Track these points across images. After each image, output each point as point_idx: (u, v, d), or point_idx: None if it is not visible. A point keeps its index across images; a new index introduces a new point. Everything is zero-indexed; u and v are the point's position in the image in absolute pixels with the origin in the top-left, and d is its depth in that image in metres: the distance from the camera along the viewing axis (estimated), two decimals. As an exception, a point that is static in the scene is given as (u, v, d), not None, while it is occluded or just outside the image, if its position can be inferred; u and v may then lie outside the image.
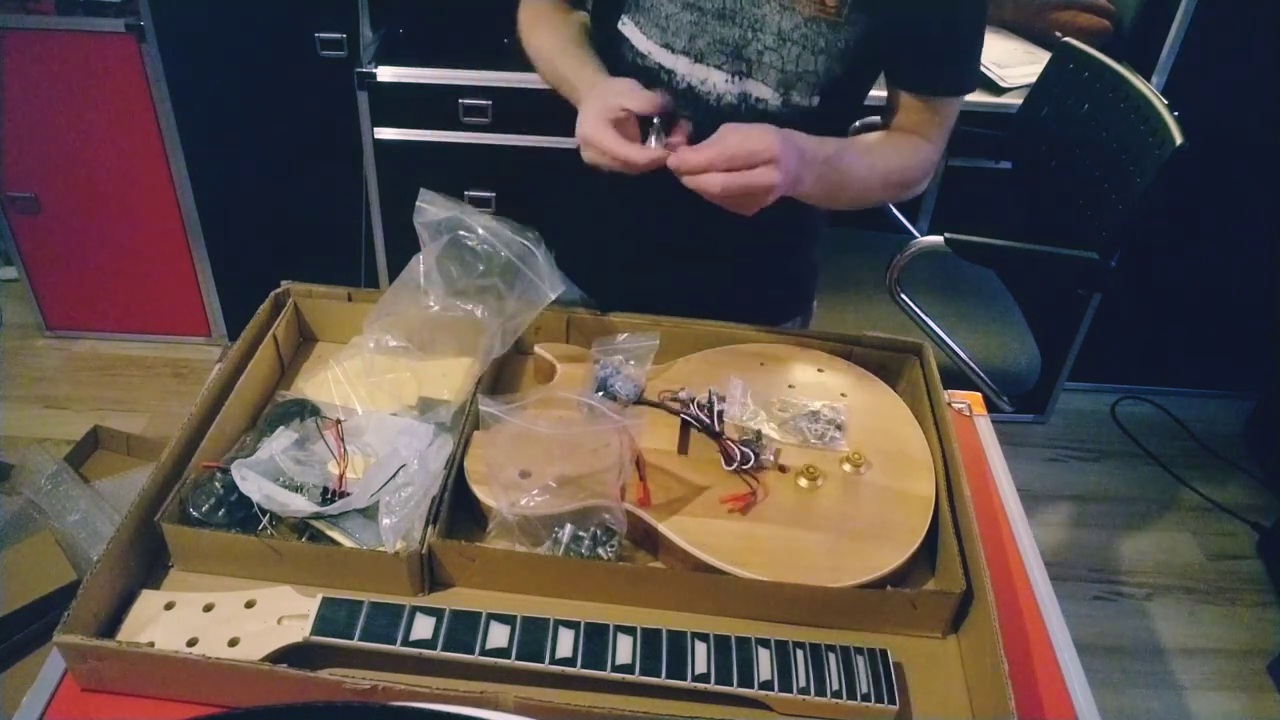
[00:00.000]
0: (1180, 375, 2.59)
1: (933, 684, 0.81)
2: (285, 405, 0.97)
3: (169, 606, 0.78)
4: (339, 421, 0.93)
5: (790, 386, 1.03)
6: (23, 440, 2.20)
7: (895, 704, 0.76)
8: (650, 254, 1.19)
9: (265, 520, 0.86)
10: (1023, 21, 2.16)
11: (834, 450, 0.96)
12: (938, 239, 1.53)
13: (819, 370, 1.06)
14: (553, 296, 0.99)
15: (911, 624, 0.85)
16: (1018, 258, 1.58)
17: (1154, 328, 2.48)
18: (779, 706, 0.76)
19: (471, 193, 2.11)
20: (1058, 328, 2.31)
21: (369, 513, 0.85)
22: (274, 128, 2.19)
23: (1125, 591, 2.13)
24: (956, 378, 1.62)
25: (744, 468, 0.92)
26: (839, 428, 0.98)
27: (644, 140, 0.96)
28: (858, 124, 1.30)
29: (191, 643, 0.75)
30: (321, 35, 2.04)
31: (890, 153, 1.07)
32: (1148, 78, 1.80)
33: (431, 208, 0.99)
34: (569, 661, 0.75)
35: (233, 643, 0.75)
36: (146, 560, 0.85)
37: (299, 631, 0.75)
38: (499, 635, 0.76)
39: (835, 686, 0.76)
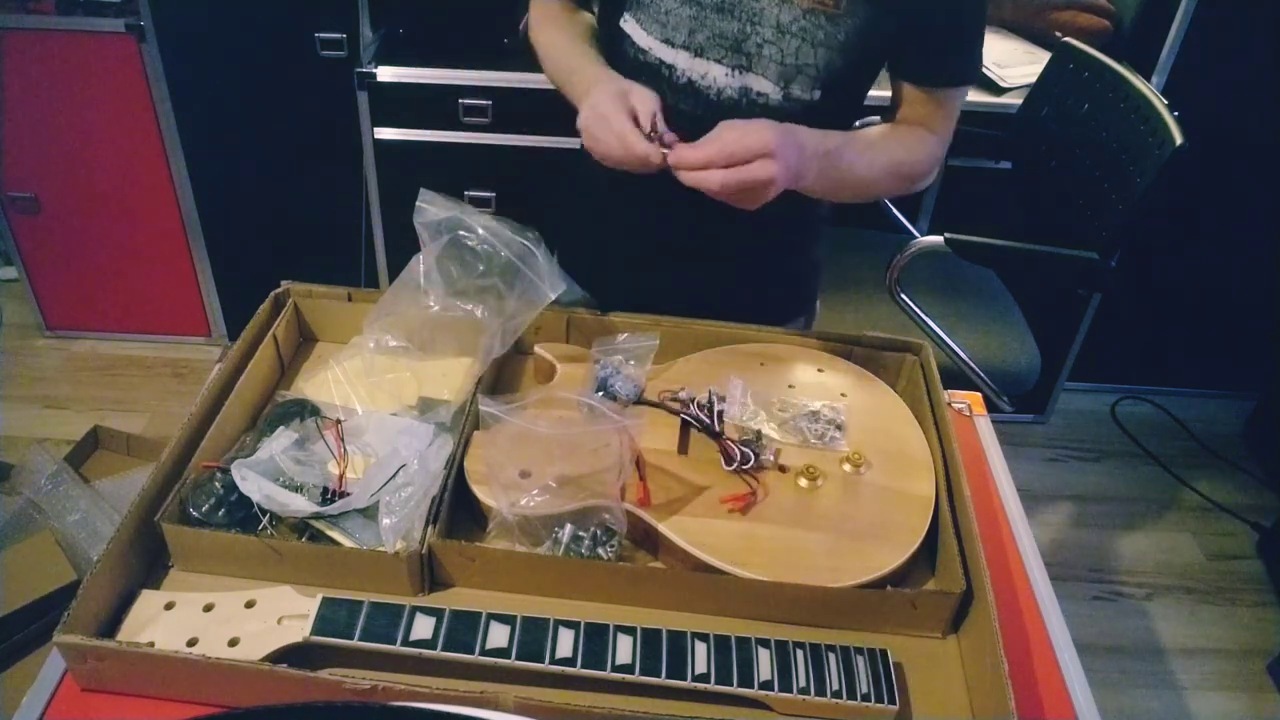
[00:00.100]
0: (1180, 375, 2.59)
1: (933, 684, 0.81)
2: (285, 405, 0.97)
3: (169, 606, 0.78)
4: (339, 421, 0.93)
5: (790, 386, 1.03)
6: (23, 440, 2.19)
7: (895, 704, 0.76)
8: (651, 253, 1.19)
9: (265, 520, 0.86)
10: (1023, 21, 2.16)
11: (834, 450, 0.96)
12: (938, 239, 1.53)
13: (819, 370, 1.06)
14: (553, 296, 0.99)
15: (911, 624, 0.85)
16: (1018, 258, 1.58)
17: (1154, 328, 2.48)
18: (779, 706, 0.76)
19: (471, 193, 2.11)
20: (1058, 328, 2.31)
21: (369, 513, 0.85)
22: (274, 128, 2.19)
23: (1125, 591, 2.13)
24: (956, 378, 1.62)
25: (744, 468, 0.92)
26: (839, 428, 0.98)
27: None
28: (858, 124, 1.30)
29: (191, 643, 0.75)
30: (321, 35, 2.04)
31: (895, 144, 1.07)
32: (1148, 78, 1.80)
33: (431, 208, 0.99)
34: (569, 661, 0.75)
35: (233, 643, 0.75)
36: (146, 560, 0.85)
37: (299, 631, 0.75)
38: (499, 635, 0.76)
39: (835, 686, 0.76)
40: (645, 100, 0.94)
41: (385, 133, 2.05)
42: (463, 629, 0.76)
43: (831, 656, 0.78)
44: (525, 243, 0.99)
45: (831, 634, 0.83)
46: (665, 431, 0.97)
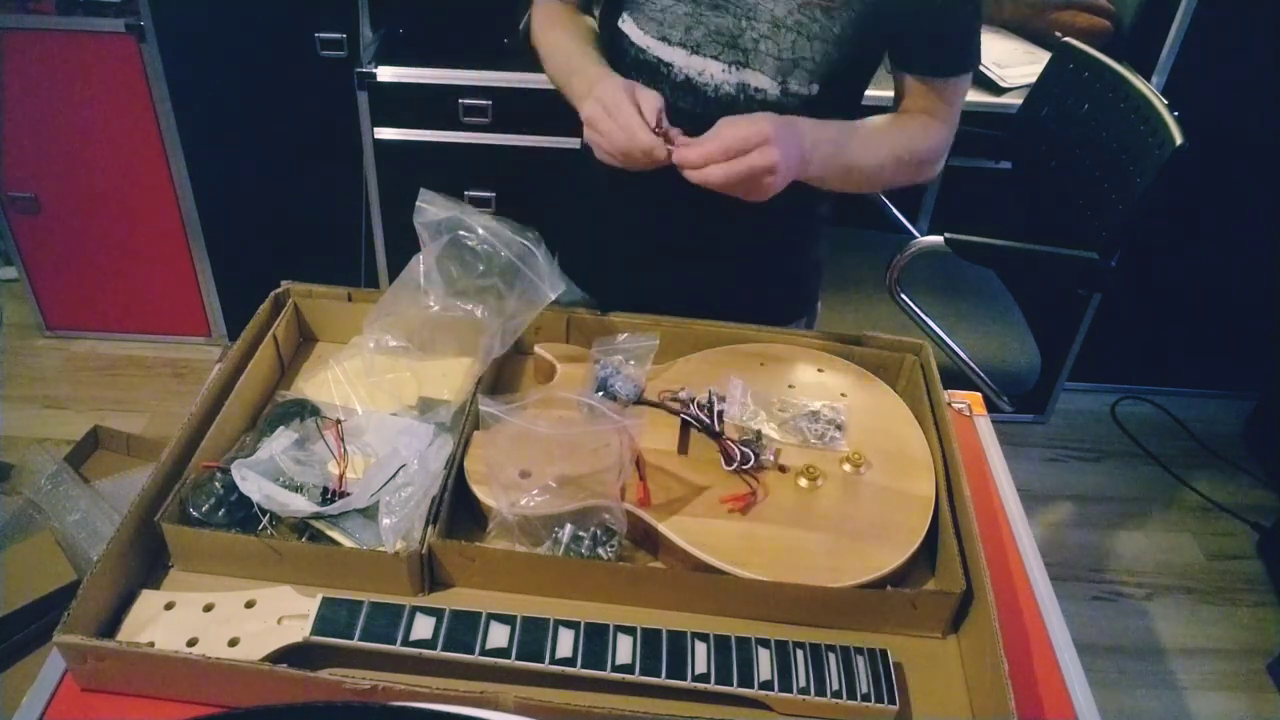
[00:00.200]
0: (1180, 375, 2.59)
1: (933, 684, 0.81)
2: (285, 405, 0.97)
3: (169, 606, 0.78)
4: (339, 421, 0.93)
5: (790, 386, 1.03)
6: (23, 440, 2.20)
7: (895, 704, 0.76)
8: (651, 253, 1.19)
9: (265, 520, 0.86)
10: (1023, 21, 2.16)
11: (834, 450, 0.96)
12: (938, 239, 1.53)
13: (819, 370, 1.06)
14: (553, 296, 0.99)
15: (911, 624, 0.85)
16: (1018, 258, 1.58)
17: (1154, 328, 2.48)
18: (779, 706, 0.76)
19: (471, 193, 2.11)
20: (1058, 328, 2.31)
21: (369, 513, 0.85)
22: (274, 128, 2.19)
23: (1125, 591, 2.13)
24: (956, 378, 1.62)
25: (744, 468, 0.92)
26: (839, 428, 0.98)
27: None
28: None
29: (191, 643, 0.75)
30: (321, 35, 2.04)
31: (900, 132, 1.07)
32: (1148, 78, 1.80)
33: (431, 208, 0.99)
34: (569, 661, 0.75)
35: (233, 643, 0.75)
36: (146, 560, 0.85)
37: (299, 631, 0.75)
38: (499, 635, 0.76)
39: (835, 686, 0.76)
40: (650, 97, 0.95)
41: (385, 133, 2.05)
42: (463, 629, 0.76)
43: (831, 656, 0.78)
44: (525, 243, 0.99)
45: (831, 634, 0.83)
46: (665, 431, 0.97)
